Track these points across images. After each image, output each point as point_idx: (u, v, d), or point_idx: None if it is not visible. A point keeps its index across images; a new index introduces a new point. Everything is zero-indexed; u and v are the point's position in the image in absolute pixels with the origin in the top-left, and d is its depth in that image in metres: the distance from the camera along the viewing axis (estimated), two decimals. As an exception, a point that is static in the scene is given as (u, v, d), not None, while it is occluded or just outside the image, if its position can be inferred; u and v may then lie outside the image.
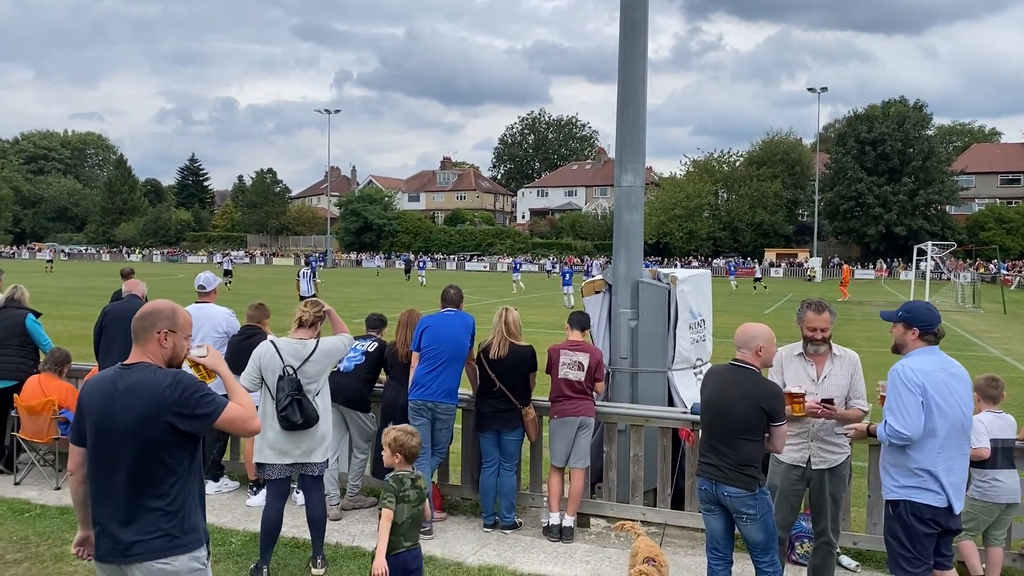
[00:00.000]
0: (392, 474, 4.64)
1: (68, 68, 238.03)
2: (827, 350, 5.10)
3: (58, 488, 7.28)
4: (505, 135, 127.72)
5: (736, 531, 4.74)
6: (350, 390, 6.89)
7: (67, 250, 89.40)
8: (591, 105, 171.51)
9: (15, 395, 7.51)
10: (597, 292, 7.38)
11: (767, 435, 4.59)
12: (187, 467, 3.31)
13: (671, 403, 6.98)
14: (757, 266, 56.64)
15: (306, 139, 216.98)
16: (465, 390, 6.90)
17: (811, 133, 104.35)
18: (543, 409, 6.74)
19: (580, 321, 6.83)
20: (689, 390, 7.00)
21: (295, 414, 5.45)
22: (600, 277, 7.52)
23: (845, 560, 5.96)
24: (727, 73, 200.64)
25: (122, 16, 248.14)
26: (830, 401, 4.92)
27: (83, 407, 3.35)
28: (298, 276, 28.87)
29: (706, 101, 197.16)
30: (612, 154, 10.07)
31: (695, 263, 73.22)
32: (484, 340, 6.67)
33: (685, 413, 6.54)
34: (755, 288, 45.80)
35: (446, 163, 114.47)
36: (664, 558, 5.03)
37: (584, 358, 6.50)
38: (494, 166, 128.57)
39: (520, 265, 51.10)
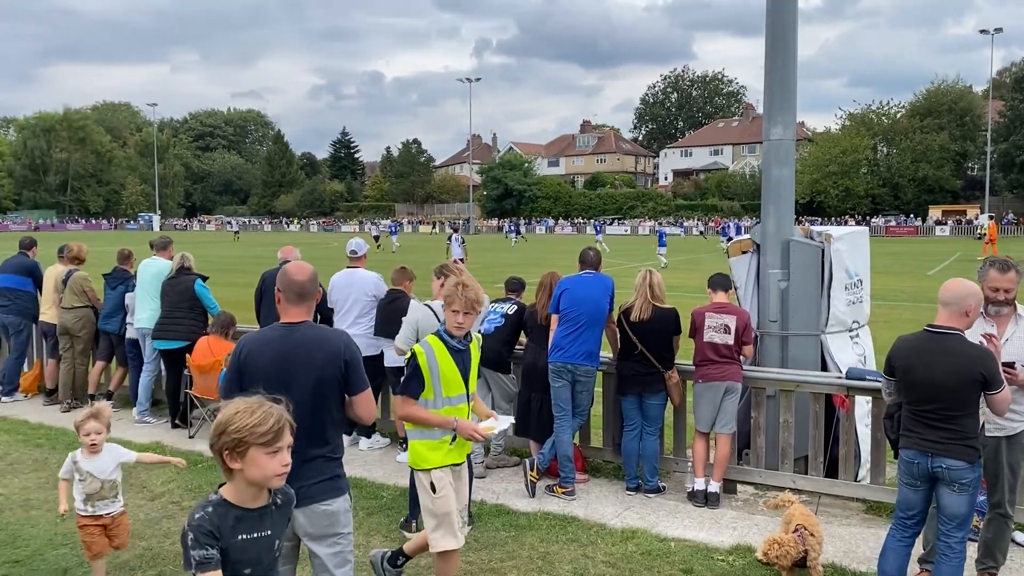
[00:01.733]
0: None
1: (229, 50, 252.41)
2: (1011, 311, 4.70)
3: (227, 441, 7.82)
4: (647, 95, 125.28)
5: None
6: (491, 352, 6.96)
7: (233, 221, 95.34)
8: (737, 60, 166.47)
9: (187, 355, 8.10)
10: (744, 252, 7.09)
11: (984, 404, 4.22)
12: (341, 418, 3.60)
13: (824, 367, 6.65)
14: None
15: (449, 109, 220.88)
16: (606, 353, 6.84)
17: (982, 79, 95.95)
18: (687, 373, 6.59)
19: (722, 282, 6.59)
20: (844, 354, 6.64)
21: None
22: (747, 237, 7.23)
23: (1020, 536, 5.52)
24: (885, 19, 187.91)
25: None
26: (1011, 365, 4.53)
27: (249, 366, 3.51)
28: (449, 240, 29.85)
29: (862, 50, 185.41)
30: (760, 109, 9.60)
31: (851, 222, 69.49)
32: (625, 302, 6.56)
33: (840, 378, 6.21)
34: None
35: (586, 126, 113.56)
36: (819, 528, 4.83)
37: (731, 320, 6.28)
38: (635, 127, 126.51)
39: (601, 227, 50.58)
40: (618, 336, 6.63)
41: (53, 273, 9.36)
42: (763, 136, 7.08)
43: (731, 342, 6.28)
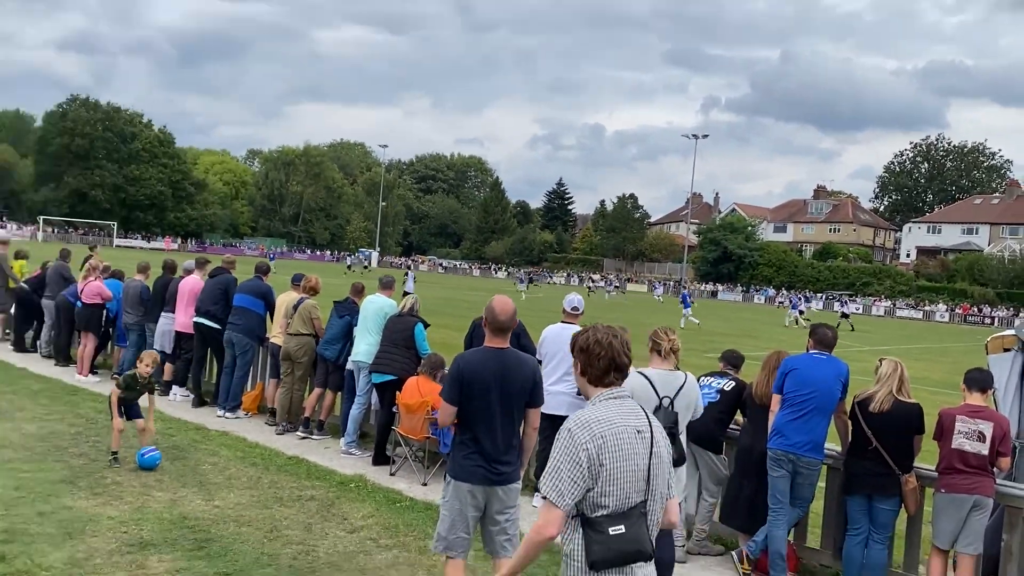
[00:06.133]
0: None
1: (458, 97, 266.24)
2: None
3: (425, 484, 7.87)
4: (892, 163, 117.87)
5: None
6: (702, 427, 6.51)
7: (444, 263, 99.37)
8: (999, 130, 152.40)
9: (397, 392, 8.29)
10: (1007, 350, 6.23)
11: None
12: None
13: (1102, 494, 5.62)
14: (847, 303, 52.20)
15: (668, 165, 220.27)
16: (832, 445, 6.20)
17: None
18: (927, 479, 5.81)
19: (980, 380, 5.77)
20: None
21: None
22: (1011, 333, 6.35)
23: None
24: None
25: (509, 48, 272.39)
26: None
27: (468, 377, 4.56)
28: (406, 275, 29.94)
29: None
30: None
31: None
32: (863, 391, 5.92)
33: (1125, 511, 5.20)
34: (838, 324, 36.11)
35: (820, 192, 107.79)
36: None
37: (987, 428, 5.47)
38: (876, 197, 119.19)
39: (688, 297, 38.77)
40: (850, 428, 5.98)
41: (286, 299, 10.01)
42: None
43: (984, 452, 5.46)
